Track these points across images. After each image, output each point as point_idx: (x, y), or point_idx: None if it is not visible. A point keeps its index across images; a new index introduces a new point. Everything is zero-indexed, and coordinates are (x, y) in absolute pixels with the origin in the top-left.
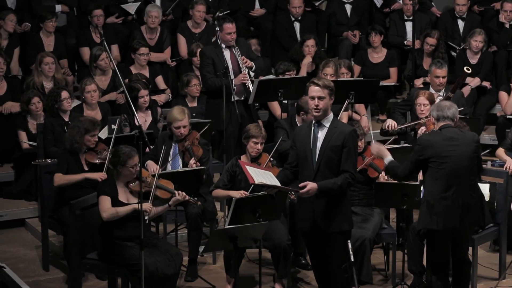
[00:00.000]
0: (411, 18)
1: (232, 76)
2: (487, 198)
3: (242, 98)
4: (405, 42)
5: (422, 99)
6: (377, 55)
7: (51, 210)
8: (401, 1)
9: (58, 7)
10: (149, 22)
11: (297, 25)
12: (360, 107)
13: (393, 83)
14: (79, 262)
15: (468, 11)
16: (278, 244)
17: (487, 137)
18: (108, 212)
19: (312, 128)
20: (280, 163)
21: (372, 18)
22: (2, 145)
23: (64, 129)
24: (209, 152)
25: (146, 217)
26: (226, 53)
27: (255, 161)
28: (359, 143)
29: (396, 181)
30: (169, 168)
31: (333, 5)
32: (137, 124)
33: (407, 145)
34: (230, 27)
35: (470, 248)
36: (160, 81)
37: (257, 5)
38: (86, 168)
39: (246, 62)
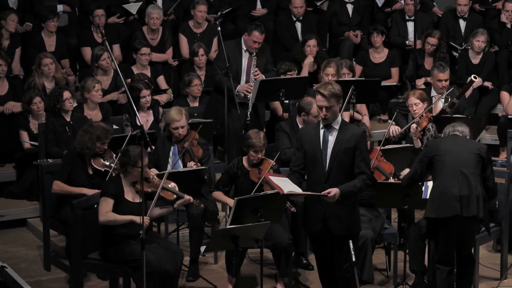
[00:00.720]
0: (412, 18)
1: (242, 80)
2: None
3: (244, 101)
4: (406, 42)
5: (412, 99)
6: (379, 55)
7: (53, 210)
8: (402, 1)
9: (60, 7)
10: (151, 24)
11: (298, 25)
12: (362, 107)
13: (395, 83)
14: (81, 262)
15: (469, 11)
16: (279, 243)
17: (489, 137)
18: (106, 217)
19: (321, 131)
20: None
21: (374, 18)
22: (3, 145)
23: (65, 129)
24: (209, 152)
25: (141, 232)
26: (245, 56)
27: (256, 166)
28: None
29: (397, 182)
30: (169, 169)
31: (334, 5)
32: (139, 124)
33: (408, 145)
34: (258, 36)
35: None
36: (161, 81)
37: (258, 5)
38: (90, 172)
39: (258, 75)
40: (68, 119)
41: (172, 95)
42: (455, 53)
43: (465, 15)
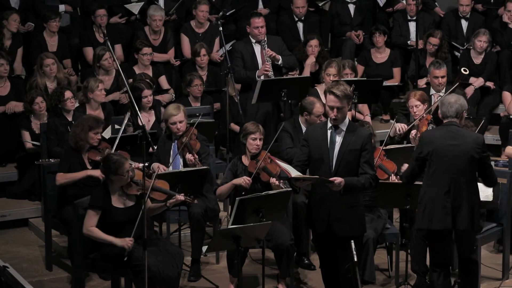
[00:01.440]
0: (414, 18)
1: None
2: (490, 198)
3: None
4: (408, 42)
5: (413, 101)
6: (381, 55)
7: (54, 210)
8: (404, 1)
9: (62, 7)
10: (153, 26)
11: (300, 25)
12: (364, 107)
13: (396, 83)
14: (83, 262)
15: (471, 11)
16: (281, 244)
17: (490, 137)
18: (89, 232)
19: (329, 131)
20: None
21: (376, 18)
22: (5, 145)
23: (67, 128)
24: (208, 148)
25: (125, 257)
26: (257, 48)
27: (254, 158)
28: None
29: (399, 181)
30: (170, 167)
31: (336, 5)
32: (141, 124)
33: (410, 145)
34: (257, 21)
35: None
36: (163, 81)
37: (260, 5)
38: (89, 167)
39: (270, 54)
40: (70, 119)
41: (173, 95)
42: (457, 53)
43: (467, 15)
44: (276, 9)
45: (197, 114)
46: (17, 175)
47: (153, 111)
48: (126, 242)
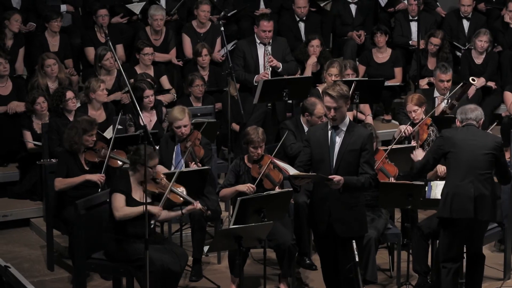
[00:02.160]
0: (416, 18)
1: (260, 72)
2: None
3: None
4: (410, 42)
5: (410, 106)
6: (382, 55)
7: (56, 210)
8: (406, 1)
9: (63, 7)
10: (154, 26)
11: (302, 25)
12: (365, 107)
13: (398, 83)
14: (84, 261)
15: (473, 11)
16: (283, 244)
17: None
18: (122, 212)
19: (329, 132)
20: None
21: (377, 18)
22: (7, 145)
23: None
24: (211, 152)
25: (152, 221)
26: (260, 49)
27: (257, 162)
28: None
29: (400, 181)
30: (172, 168)
31: (338, 5)
32: (142, 124)
33: (410, 145)
34: (266, 25)
35: None
36: (165, 81)
37: (262, 5)
38: (86, 168)
39: (271, 61)
40: (71, 119)
41: (175, 95)
42: (458, 53)
43: (468, 15)
44: (278, 9)
45: (198, 114)
46: (18, 175)
47: (154, 111)
48: (157, 209)
